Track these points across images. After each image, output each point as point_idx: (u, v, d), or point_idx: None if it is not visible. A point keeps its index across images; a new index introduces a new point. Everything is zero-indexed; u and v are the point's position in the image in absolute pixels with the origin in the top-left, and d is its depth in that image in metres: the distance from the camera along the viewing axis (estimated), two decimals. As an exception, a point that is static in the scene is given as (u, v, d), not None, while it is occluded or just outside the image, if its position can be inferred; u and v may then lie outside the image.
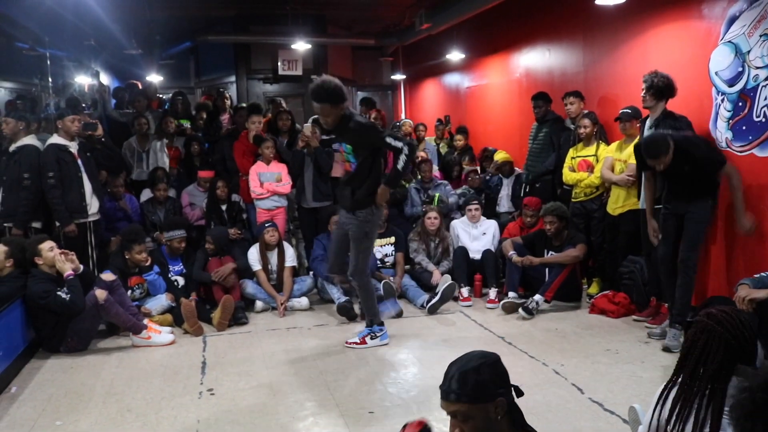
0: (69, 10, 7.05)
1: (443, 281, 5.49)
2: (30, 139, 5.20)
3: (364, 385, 3.80)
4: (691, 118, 4.55)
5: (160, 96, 9.96)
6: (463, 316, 5.19)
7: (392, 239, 5.90)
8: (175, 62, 11.96)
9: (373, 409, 3.44)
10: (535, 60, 7.25)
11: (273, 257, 5.58)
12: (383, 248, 5.87)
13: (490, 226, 6.07)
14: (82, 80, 9.83)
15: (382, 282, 5.28)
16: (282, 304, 5.33)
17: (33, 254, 4.46)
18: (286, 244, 5.72)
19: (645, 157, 4.18)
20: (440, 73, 10.19)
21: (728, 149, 4.46)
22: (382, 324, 4.54)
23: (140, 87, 9.09)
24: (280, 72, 10.42)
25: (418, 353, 4.36)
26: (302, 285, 5.61)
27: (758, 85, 4.20)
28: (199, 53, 12.22)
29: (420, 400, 3.52)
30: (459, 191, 6.83)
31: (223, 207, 6.11)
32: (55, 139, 5.14)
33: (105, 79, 10.85)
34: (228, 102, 8.54)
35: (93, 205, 5.26)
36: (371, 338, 4.47)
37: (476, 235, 6.01)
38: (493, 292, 5.49)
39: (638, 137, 4.81)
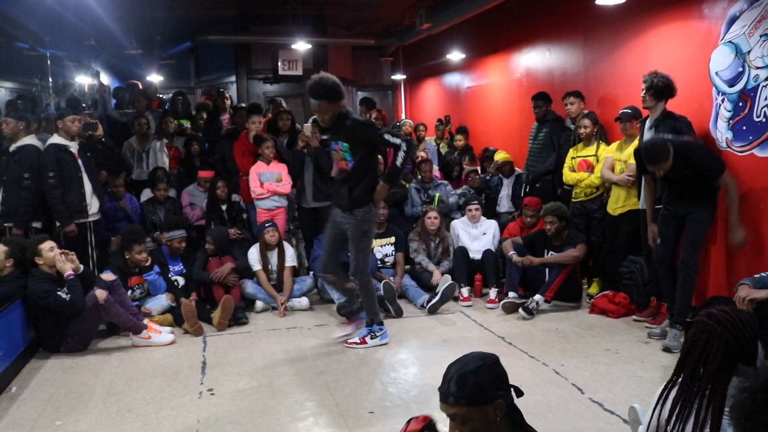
0: (69, 10, 7.05)
1: (443, 281, 5.49)
2: (30, 139, 5.20)
3: (364, 385, 3.80)
4: (691, 118, 4.55)
5: (161, 96, 9.97)
6: (464, 316, 5.19)
7: (392, 239, 5.90)
8: (176, 62, 11.97)
9: (373, 409, 3.44)
10: (536, 60, 7.25)
11: (273, 257, 5.58)
12: (383, 248, 5.87)
13: (491, 226, 6.07)
14: (83, 80, 9.84)
15: (383, 282, 5.27)
16: (282, 304, 5.33)
17: (33, 254, 4.46)
18: (286, 244, 5.72)
19: (645, 162, 4.18)
20: (440, 73, 10.19)
21: (728, 149, 4.46)
22: (381, 323, 4.54)
23: (140, 87, 9.10)
24: (281, 72, 10.42)
25: (418, 353, 4.36)
26: (302, 285, 5.61)
27: (758, 85, 4.20)
28: (199, 53, 12.22)
29: (420, 400, 3.52)
30: (459, 191, 6.82)
31: (224, 207, 6.11)
32: (56, 139, 5.14)
33: (105, 79, 10.86)
34: (228, 102, 8.54)
35: (93, 205, 5.27)
36: (371, 338, 4.47)
37: (476, 235, 6.01)
38: (493, 292, 5.49)
39: (638, 138, 4.81)
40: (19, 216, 5.01)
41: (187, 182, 6.60)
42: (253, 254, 5.53)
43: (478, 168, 7.63)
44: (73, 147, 5.18)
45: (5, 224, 5.08)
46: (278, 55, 10.32)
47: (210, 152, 7.03)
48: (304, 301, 5.49)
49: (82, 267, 4.64)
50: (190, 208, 6.29)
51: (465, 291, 5.53)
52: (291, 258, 5.61)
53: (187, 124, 7.55)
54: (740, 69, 4.34)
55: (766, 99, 4.15)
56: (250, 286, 5.46)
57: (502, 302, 5.24)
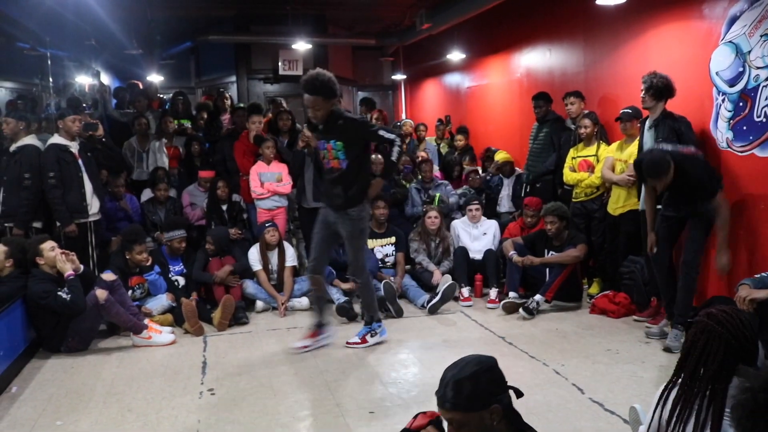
0: (70, 10, 7.06)
1: (444, 281, 5.49)
2: (30, 139, 5.20)
3: (364, 385, 3.80)
4: (691, 118, 4.55)
5: (161, 96, 9.97)
6: (464, 316, 5.19)
7: (393, 239, 5.90)
8: (176, 62, 11.97)
9: (373, 409, 3.44)
10: (536, 60, 7.25)
11: (273, 257, 5.58)
12: (384, 248, 5.87)
13: (491, 226, 6.07)
14: (83, 80, 9.84)
15: (383, 282, 5.27)
16: (283, 304, 5.33)
17: (34, 254, 4.47)
18: (286, 244, 5.72)
19: (645, 177, 4.18)
20: (441, 73, 10.20)
21: (729, 149, 4.46)
22: (380, 320, 4.55)
23: (141, 87, 9.10)
24: (281, 72, 10.43)
25: (419, 353, 4.36)
26: (303, 285, 5.61)
27: (759, 85, 4.20)
28: (199, 53, 12.22)
29: (420, 400, 3.51)
30: (459, 191, 6.83)
31: (224, 207, 6.11)
32: (56, 139, 5.14)
33: (106, 79, 10.86)
34: (228, 102, 8.54)
35: (93, 205, 5.27)
36: (371, 336, 4.47)
37: (477, 235, 6.01)
38: (493, 292, 5.49)
39: (638, 138, 4.81)
40: (20, 216, 5.01)
41: (187, 182, 6.60)
42: (254, 254, 5.53)
43: (479, 168, 7.63)
44: (74, 147, 5.18)
45: (6, 224, 5.08)
46: (278, 55, 10.32)
47: (210, 152, 7.03)
48: (304, 301, 5.49)
49: (82, 267, 4.65)
50: (191, 208, 6.29)
51: (465, 291, 5.53)
52: (291, 258, 5.61)
53: (187, 124, 7.55)
54: (741, 69, 4.34)
55: (766, 99, 4.15)
56: (250, 286, 5.46)
57: (502, 302, 5.24)
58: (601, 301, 5.10)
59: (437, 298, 5.24)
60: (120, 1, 7.54)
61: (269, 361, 4.23)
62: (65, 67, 9.23)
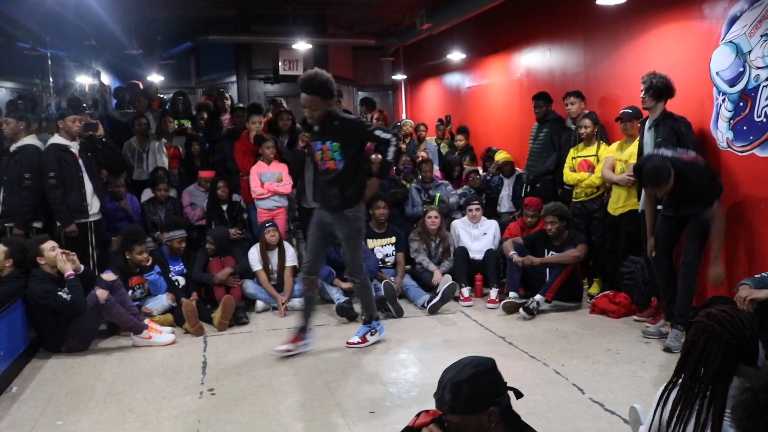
0: (70, 10, 7.05)
1: (444, 281, 5.49)
2: (31, 139, 5.20)
3: (364, 385, 3.80)
4: (691, 118, 4.55)
5: (161, 96, 9.96)
6: (464, 316, 5.19)
7: (393, 239, 5.90)
8: (176, 62, 11.98)
9: (373, 409, 3.44)
10: (536, 60, 7.25)
11: (274, 257, 5.58)
12: (384, 248, 5.87)
13: (491, 226, 6.07)
14: (83, 80, 9.84)
15: (383, 282, 5.27)
16: (283, 304, 5.33)
17: (35, 254, 4.47)
18: (286, 244, 5.73)
19: (645, 184, 4.18)
20: (441, 73, 10.20)
21: (729, 149, 4.46)
22: (378, 319, 4.56)
23: (141, 87, 9.10)
24: (281, 72, 10.43)
25: (419, 353, 4.36)
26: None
27: (759, 85, 4.20)
28: (199, 53, 12.23)
29: (420, 400, 3.51)
30: (460, 191, 6.83)
31: (224, 207, 6.11)
32: (56, 139, 5.15)
33: (106, 79, 10.86)
34: (228, 102, 8.54)
35: (94, 205, 5.27)
36: (371, 335, 4.47)
37: (477, 235, 6.01)
38: (493, 292, 5.49)
39: (638, 139, 4.81)
40: (20, 216, 5.01)
41: (187, 182, 6.60)
42: (254, 254, 5.53)
43: (479, 168, 7.63)
44: (74, 147, 5.18)
45: (6, 224, 5.08)
46: (279, 55, 10.32)
47: (210, 152, 7.03)
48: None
49: (82, 267, 4.65)
50: (191, 208, 6.29)
51: (465, 291, 5.53)
52: (291, 258, 5.61)
53: (187, 124, 7.55)
54: (741, 69, 4.34)
55: (766, 99, 4.15)
56: (250, 286, 5.46)
57: (502, 302, 5.24)
58: (602, 301, 5.10)
59: (437, 298, 5.24)
60: (120, 1, 7.54)
61: (269, 361, 4.23)
62: (65, 67, 9.23)
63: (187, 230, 5.66)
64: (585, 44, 6.25)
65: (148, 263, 5.16)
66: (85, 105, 7.75)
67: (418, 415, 1.98)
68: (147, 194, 6.39)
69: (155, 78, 10.49)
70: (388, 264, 5.87)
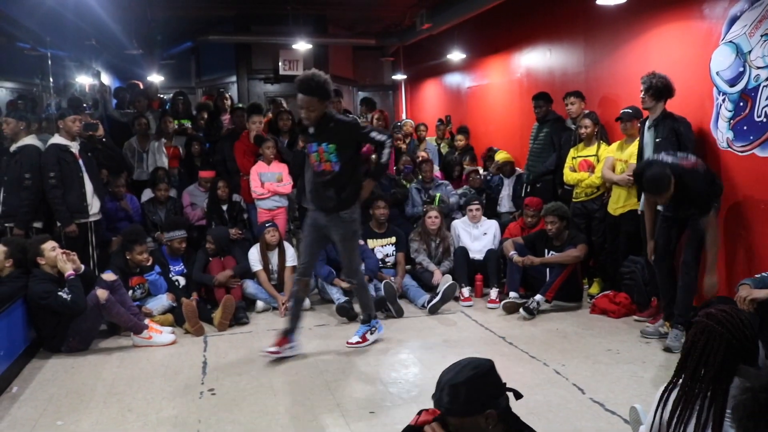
0: (70, 10, 7.05)
1: (444, 281, 5.49)
2: (31, 139, 5.20)
3: (364, 385, 3.80)
4: (692, 118, 4.55)
5: (161, 96, 9.97)
6: (464, 316, 5.19)
7: (393, 239, 5.90)
8: (176, 62, 11.98)
9: (373, 409, 3.44)
10: (536, 60, 7.25)
11: (274, 257, 5.58)
12: (384, 248, 5.87)
13: (491, 226, 6.07)
14: (83, 80, 9.84)
15: (384, 282, 5.27)
16: (283, 304, 5.32)
17: (35, 254, 4.47)
18: (286, 244, 5.73)
19: (645, 193, 4.16)
20: (441, 73, 10.20)
21: (729, 149, 4.46)
22: (376, 317, 4.57)
23: (141, 87, 9.10)
24: (281, 72, 10.43)
25: (419, 353, 4.36)
26: (303, 285, 5.61)
27: (759, 85, 4.20)
28: (200, 53, 12.23)
29: (421, 400, 3.51)
30: (460, 191, 6.82)
31: (224, 207, 6.11)
32: (56, 139, 5.15)
33: (106, 79, 10.86)
34: (228, 102, 8.54)
35: (94, 205, 5.27)
36: (370, 333, 4.47)
37: (477, 235, 6.01)
38: (494, 292, 5.49)
39: (638, 139, 4.81)
40: (20, 216, 5.01)
41: (187, 182, 6.60)
42: (254, 254, 5.53)
43: (479, 168, 7.63)
44: (74, 147, 5.18)
45: (6, 224, 5.08)
46: (279, 55, 10.33)
47: (211, 152, 7.03)
48: (305, 302, 5.47)
49: (83, 267, 4.65)
50: (191, 208, 6.29)
51: (466, 291, 5.53)
52: (292, 258, 5.61)
53: (187, 124, 7.55)
54: (741, 69, 4.34)
55: (766, 99, 4.15)
56: (251, 286, 5.46)
57: (502, 302, 5.24)
58: (602, 301, 5.10)
59: (437, 298, 5.24)
60: (120, 1, 7.54)
61: (269, 361, 4.22)
62: (66, 67, 9.23)
63: (187, 230, 5.66)
64: (585, 44, 6.25)
65: (149, 263, 5.16)
66: (85, 105, 7.74)
67: (419, 413, 1.98)
68: (147, 194, 6.39)
69: (155, 78, 10.49)
70: (388, 264, 5.87)
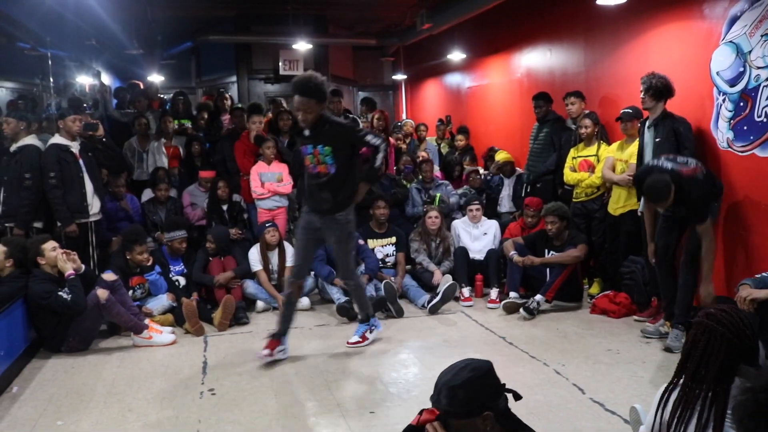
0: (70, 10, 7.05)
1: (444, 281, 5.49)
2: (31, 139, 5.20)
3: (364, 385, 3.80)
4: (692, 118, 4.55)
5: (162, 96, 9.96)
6: (464, 316, 5.19)
7: (393, 239, 5.90)
8: (177, 62, 11.98)
9: (373, 409, 3.44)
10: (536, 60, 7.25)
11: (274, 257, 5.58)
12: (384, 248, 5.87)
13: (491, 226, 6.07)
14: (84, 80, 9.84)
15: (384, 282, 5.27)
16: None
17: (36, 254, 4.47)
18: (287, 244, 5.73)
19: (646, 200, 4.15)
20: (441, 73, 10.20)
21: (729, 149, 4.46)
22: (374, 315, 4.57)
23: (141, 87, 9.10)
24: (282, 72, 10.43)
25: (419, 353, 4.36)
26: (304, 285, 5.60)
27: (759, 85, 4.20)
28: (200, 53, 12.23)
29: (421, 400, 3.50)
30: (460, 191, 6.83)
31: (224, 207, 6.12)
32: (57, 139, 5.15)
33: (106, 79, 10.86)
34: (228, 102, 8.54)
35: (94, 205, 5.27)
36: (370, 332, 4.47)
37: (477, 235, 6.01)
38: (494, 292, 5.49)
39: (638, 139, 4.81)
40: (21, 216, 5.01)
41: (188, 182, 6.60)
42: (254, 254, 5.53)
43: (480, 168, 7.63)
44: (75, 147, 5.18)
45: (6, 224, 5.08)
46: (279, 55, 10.32)
47: (211, 152, 7.03)
48: (305, 301, 5.48)
49: (83, 267, 4.65)
50: (191, 208, 6.29)
51: (466, 291, 5.53)
52: (292, 258, 5.60)
53: (188, 124, 7.55)
54: (741, 69, 4.34)
55: (767, 99, 4.15)
56: (251, 286, 5.46)
57: (503, 302, 5.24)
58: (602, 301, 5.10)
59: (438, 298, 5.24)
60: (120, 1, 7.54)
61: (269, 361, 4.22)
62: (66, 67, 9.23)
63: (187, 230, 5.66)
64: (585, 44, 6.25)
65: (149, 263, 5.16)
66: (85, 105, 7.74)
67: (420, 412, 1.98)
68: (147, 194, 6.39)
69: (155, 78, 10.49)
70: (389, 264, 5.87)
